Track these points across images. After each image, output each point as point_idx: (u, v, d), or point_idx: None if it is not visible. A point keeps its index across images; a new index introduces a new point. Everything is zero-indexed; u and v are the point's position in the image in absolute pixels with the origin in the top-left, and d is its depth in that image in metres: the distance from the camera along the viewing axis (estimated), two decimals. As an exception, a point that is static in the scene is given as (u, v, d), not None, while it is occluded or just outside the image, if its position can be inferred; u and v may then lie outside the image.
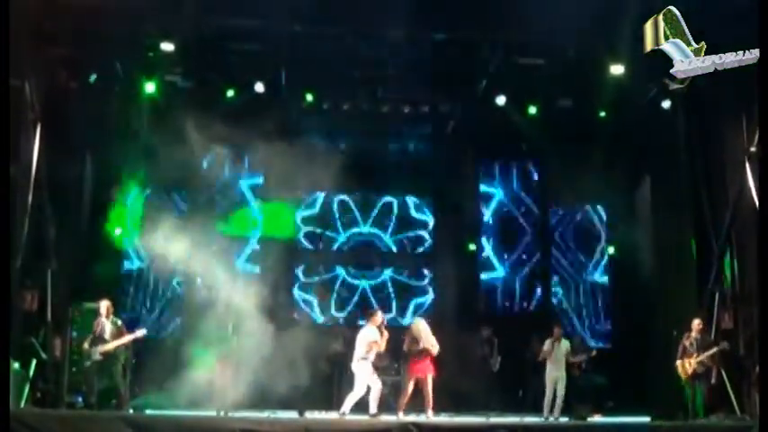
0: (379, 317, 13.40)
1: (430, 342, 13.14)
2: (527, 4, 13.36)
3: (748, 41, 10.51)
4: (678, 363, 13.88)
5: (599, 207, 19.55)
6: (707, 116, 15.22)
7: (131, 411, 13.15)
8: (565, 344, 15.05)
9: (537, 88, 16.73)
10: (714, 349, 13.67)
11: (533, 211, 19.83)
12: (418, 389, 13.15)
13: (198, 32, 14.75)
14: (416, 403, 13.37)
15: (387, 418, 12.66)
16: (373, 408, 12.89)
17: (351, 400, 12.97)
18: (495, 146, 19.32)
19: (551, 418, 14.54)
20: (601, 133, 17.66)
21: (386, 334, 13.18)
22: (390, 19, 14.07)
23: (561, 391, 14.72)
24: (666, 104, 16.04)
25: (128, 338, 13.51)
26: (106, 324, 13.39)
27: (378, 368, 13.51)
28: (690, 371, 13.75)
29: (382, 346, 13.10)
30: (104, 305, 13.53)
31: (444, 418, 13.50)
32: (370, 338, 13.06)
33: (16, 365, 12.93)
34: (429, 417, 12.83)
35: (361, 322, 14.61)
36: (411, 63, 15.83)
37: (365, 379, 12.97)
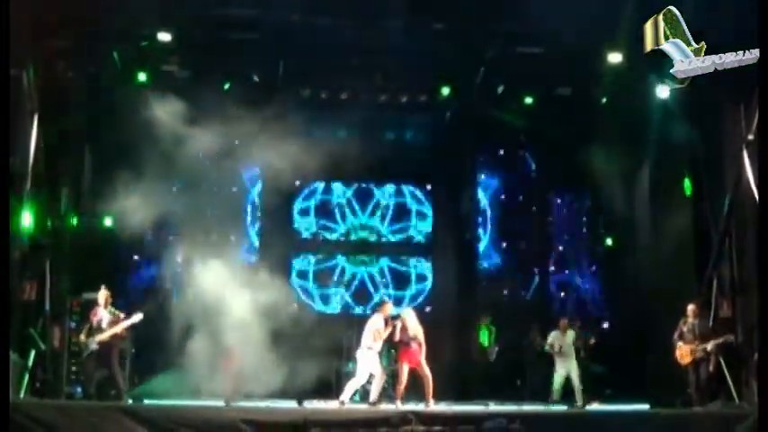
0: (388, 308, 13.64)
1: (417, 332, 13.22)
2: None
3: (748, 41, 10.47)
4: (677, 347, 13.89)
5: (597, 195, 19.52)
6: (705, 104, 15.18)
7: (130, 402, 13.15)
8: (570, 334, 15.09)
9: (535, 77, 16.69)
10: (721, 339, 13.67)
11: (532, 199, 19.83)
12: (416, 376, 13.18)
13: (195, 22, 14.71)
14: (417, 392, 13.42)
15: (386, 406, 12.71)
16: (374, 396, 12.94)
17: (351, 387, 13.07)
18: (494, 134, 19.31)
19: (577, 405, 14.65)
20: (599, 122, 17.65)
21: (390, 325, 13.26)
22: (388, 8, 14.05)
23: (576, 381, 14.78)
24: (665, 93, 15.98)
25: (124, 324, 13.33)
26: (104, 314, 13.33)
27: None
28: (690, 357, 13.77)
29: (384, 335, 13.21)
30: (102, 295, 13.47)
31: (443, 407, 13.52)
32: (374, 327, 13.18)
33: (15, 356, 12.92)
34: (429, 406, 12.88)
35: (357, 311, 14.66)
36: (409, 52, 15.77)
37: (368, 367, 13.04)
